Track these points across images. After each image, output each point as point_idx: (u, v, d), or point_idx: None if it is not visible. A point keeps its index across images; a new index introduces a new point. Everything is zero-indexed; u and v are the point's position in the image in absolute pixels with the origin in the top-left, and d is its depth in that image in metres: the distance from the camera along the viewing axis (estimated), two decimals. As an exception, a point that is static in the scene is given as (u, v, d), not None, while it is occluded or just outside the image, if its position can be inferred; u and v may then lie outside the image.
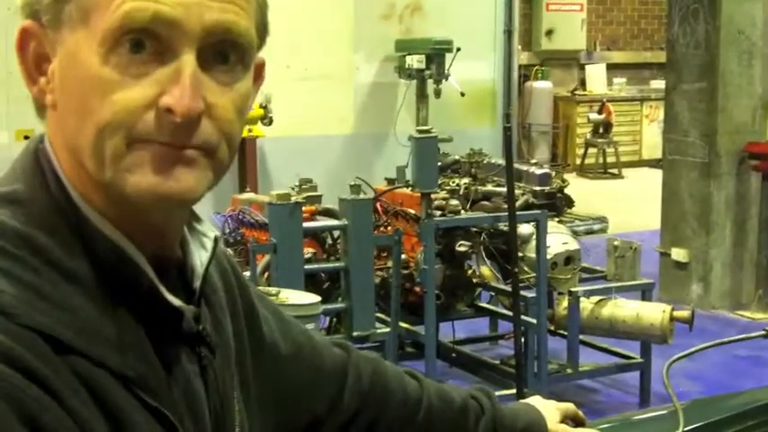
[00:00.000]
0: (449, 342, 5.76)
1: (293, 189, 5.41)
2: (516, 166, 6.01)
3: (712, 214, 7.33)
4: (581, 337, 5.40)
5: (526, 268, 5.39)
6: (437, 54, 8.52)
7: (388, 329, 5.16)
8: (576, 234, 6.27)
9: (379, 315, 5.28)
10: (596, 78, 15.62)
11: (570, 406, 1.57)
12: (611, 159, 14.50)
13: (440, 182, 5.59)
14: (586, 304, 5.35)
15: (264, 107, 7.87)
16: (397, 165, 5.68)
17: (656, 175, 8.78)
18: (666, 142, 7.75)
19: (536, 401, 1.55)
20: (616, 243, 5.73)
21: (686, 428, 1.71)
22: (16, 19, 1.03)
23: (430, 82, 8.62)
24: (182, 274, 1.10)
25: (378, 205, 5.48)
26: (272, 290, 4.29)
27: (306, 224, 4.99)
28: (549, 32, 15.07)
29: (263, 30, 1.05)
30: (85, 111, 0.97)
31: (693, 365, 5.30)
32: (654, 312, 5.24)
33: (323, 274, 5.29)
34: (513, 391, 4.88)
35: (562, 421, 1.53)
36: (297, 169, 7.10)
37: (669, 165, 7.71)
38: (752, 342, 2.04)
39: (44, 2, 0.99)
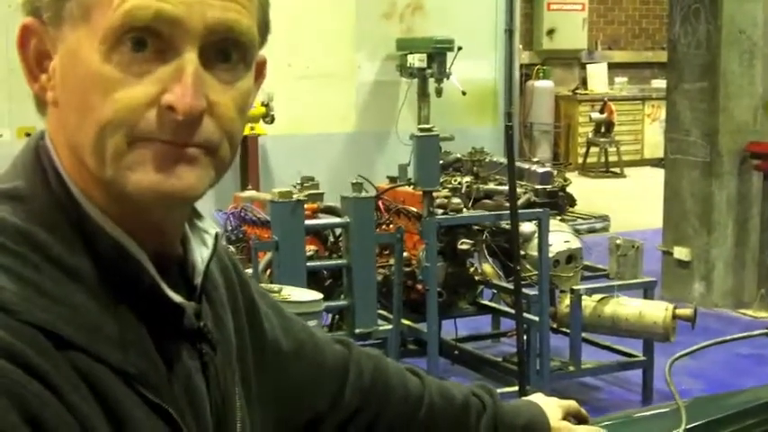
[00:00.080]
0: (451, 339, 5.76)
1: (295, 187, 5.40)
2: (518, 164, 6.01)
3: (714, 213, 7.33)
4: (583, 334, 5.40)
5: (528, 266, 5.39)
6: (438, 53, 8.52)
7: (390, 327, 5.16)
8: (578, 232, 6.27)
9: (381, 312, 5.28)
10: (597, 78, 15.61)
11: (572, 403, 1.56)
12: (612, 158, 14.50)
13: (441, 180, 5.58)
14: (589, 302, 5.35)
15: (266, 105, 7.86)
16: (399, 163, 5.68)
17: (658, 175, 8.78)
18: (668, 142, 7.75)
19: (538, 399, 1.55)
20: (618, 241, 5.71)
21: (688, 426, 1.71)
22: (17, 16, 1.03)
23: (431, 81, 8.63)
24: (183, 271, 1.10)
25: (380, 203, 5.47)
26: (275, 287, 4.29)
27: (308, 222, 4.99)
28: (551, 32, 15.06)
29: (264, 28, 1.05)
30: (87, 108, 0.97)
31: (696, 363, 5.31)
32: (656, 310, 5.24)
33: (325, 272, 5.29)
34: (516, 388, 4.89)
35: (564, 419, 1.52)
36: (299, 167, 7.09)
37: (671, 164, 7.71)
38: (754, 340, 2.04)
39: (45, -1, 1.00)
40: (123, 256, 1.01)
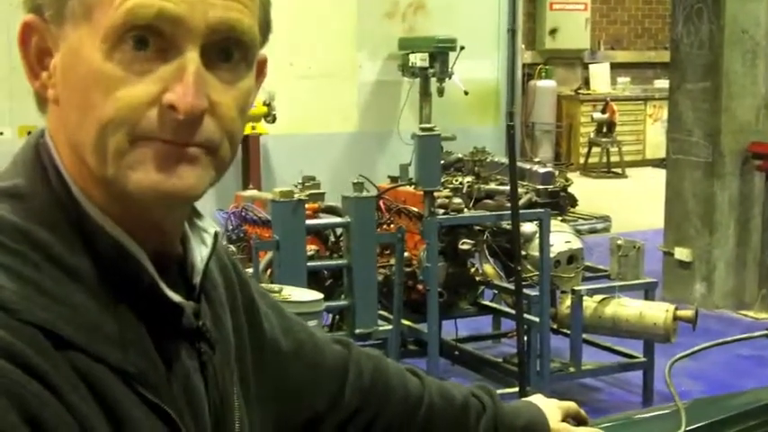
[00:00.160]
0: (451, 340, 5.76)
1: (296, 186, 5.40)
2: (519, 164, 6.00)
3: (716, 214, 7.32)
4: (584, 335, 5.40)
5: (529, 266, 5.39)
6: (440, 52, 8.51)
7: (390, 327, 5.16)
8: (579, 233, 6.27)
9: (381, 312, 5.28)
10: (600, 77, 15.61)
11: (572, 404, 1.56)
12: (614, 159, 14.49)
13: (443, 180, 5.58)
14: (589, 303, 5.35)
15: (268, 105, 7.86)
16: (401, 163, 5.67)
17: (660, 175, 8.78)
18: (670, 142, 7.75)
19: (538, 400, 1.55)
20: (619, 242, 5.71)
21: (688, 428, 1.71)
22: (18, 13, 1.03)
23: (433, 80, 8.61)
24: (182, 270, 1.10)
25: (381, 203, 5.47)
26: (275, 287, 4.28)
27: (309, 221, 4.98)
28: (553, 31, 15.06)
29: (265, 27, 1.05)
30: (88, 107, 0.97)
31: (696, 365, 5.30)
32: (657, 311, 5.24)
33: (325, 272, 5.28)
34: (516, 389, 4.88)
35: (564, 420, 1.52)
36: (300, 167, 7.08)
37: (673, 164, 7.70)
38: (755, 342, 2.04)
39: (47, -3, 0.99)
40: (123, 256, 1.01)
